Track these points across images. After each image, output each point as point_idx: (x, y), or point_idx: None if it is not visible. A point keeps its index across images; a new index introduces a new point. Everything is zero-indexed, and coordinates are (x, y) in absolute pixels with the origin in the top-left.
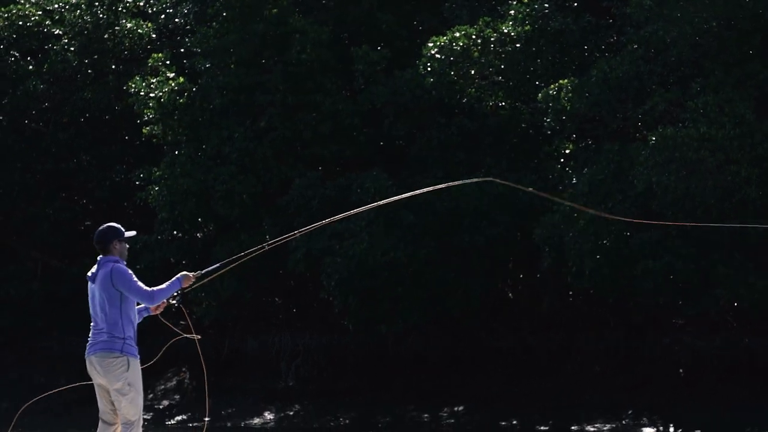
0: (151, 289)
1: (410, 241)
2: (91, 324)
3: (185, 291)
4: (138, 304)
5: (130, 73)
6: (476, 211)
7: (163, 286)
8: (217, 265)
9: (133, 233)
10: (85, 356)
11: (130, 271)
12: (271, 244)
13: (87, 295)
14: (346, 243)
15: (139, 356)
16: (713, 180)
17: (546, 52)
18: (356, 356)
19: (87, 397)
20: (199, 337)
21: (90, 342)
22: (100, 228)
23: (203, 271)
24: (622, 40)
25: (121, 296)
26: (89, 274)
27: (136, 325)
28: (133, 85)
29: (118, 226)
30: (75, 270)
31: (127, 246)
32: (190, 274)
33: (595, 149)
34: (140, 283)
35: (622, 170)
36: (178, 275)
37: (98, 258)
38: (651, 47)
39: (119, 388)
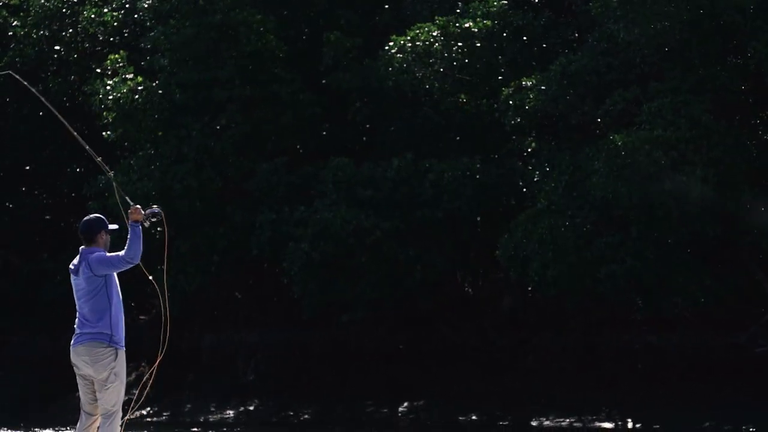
0: (123, 254)
1: (373, 213)
2: (77, 316)
3: (152, 213)
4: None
5: (90, 69)
6: (438, 186)
7: (128, 244)
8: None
9: (115, 226)
10: (71, 347)
11: (103, 252)
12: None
13: (44, 294)
14: (311, 222)
15: (124, 346)
16: (669, 181)
17: (508, 48)
18: (316, 351)
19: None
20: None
21: (77, 332)
22: (87, 218)
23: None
24: (585, 38)
25: (105, 285)
26: (71, 266)
27: (122, 312)
28: (91, 87)
29: (104, 217)
30: (32, 266)
31: (110, 238)
32: (135, 209)
33: (555, 147)
34: (114, 255)
35: (580, 176)
36: (129, 222)
37: (80, 249)
38: (613, 45)
39: (106, 378)
